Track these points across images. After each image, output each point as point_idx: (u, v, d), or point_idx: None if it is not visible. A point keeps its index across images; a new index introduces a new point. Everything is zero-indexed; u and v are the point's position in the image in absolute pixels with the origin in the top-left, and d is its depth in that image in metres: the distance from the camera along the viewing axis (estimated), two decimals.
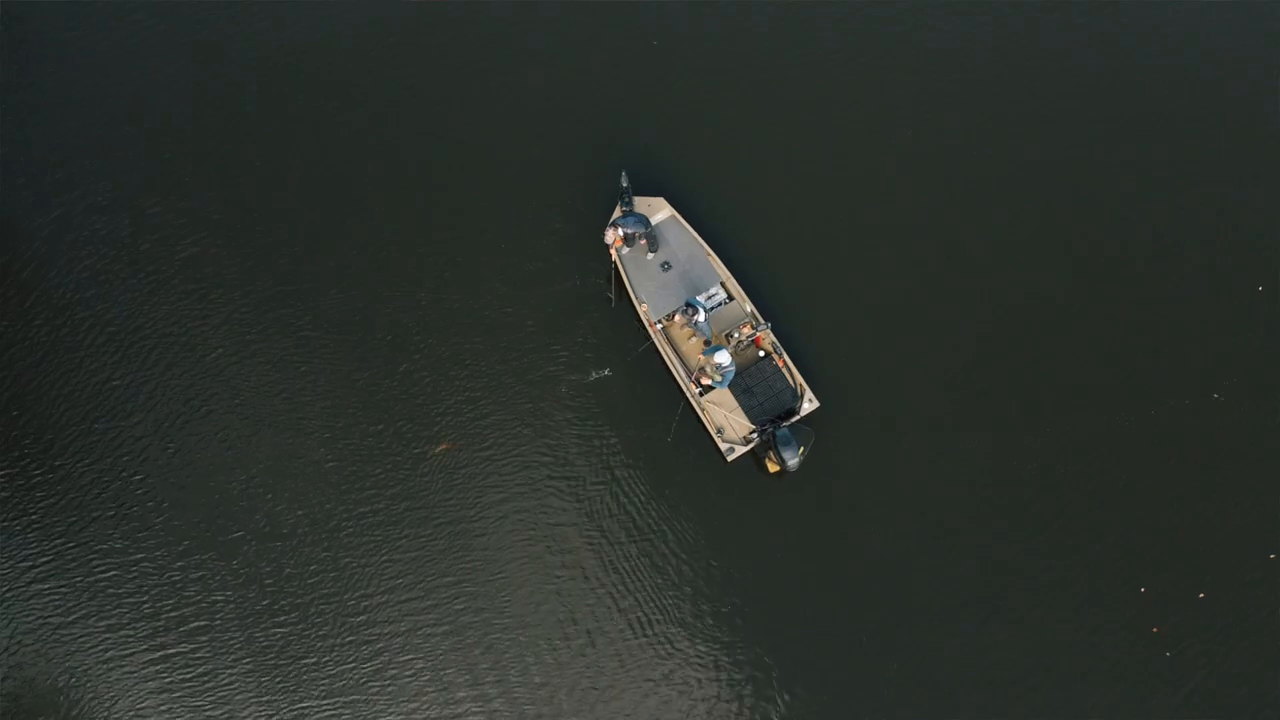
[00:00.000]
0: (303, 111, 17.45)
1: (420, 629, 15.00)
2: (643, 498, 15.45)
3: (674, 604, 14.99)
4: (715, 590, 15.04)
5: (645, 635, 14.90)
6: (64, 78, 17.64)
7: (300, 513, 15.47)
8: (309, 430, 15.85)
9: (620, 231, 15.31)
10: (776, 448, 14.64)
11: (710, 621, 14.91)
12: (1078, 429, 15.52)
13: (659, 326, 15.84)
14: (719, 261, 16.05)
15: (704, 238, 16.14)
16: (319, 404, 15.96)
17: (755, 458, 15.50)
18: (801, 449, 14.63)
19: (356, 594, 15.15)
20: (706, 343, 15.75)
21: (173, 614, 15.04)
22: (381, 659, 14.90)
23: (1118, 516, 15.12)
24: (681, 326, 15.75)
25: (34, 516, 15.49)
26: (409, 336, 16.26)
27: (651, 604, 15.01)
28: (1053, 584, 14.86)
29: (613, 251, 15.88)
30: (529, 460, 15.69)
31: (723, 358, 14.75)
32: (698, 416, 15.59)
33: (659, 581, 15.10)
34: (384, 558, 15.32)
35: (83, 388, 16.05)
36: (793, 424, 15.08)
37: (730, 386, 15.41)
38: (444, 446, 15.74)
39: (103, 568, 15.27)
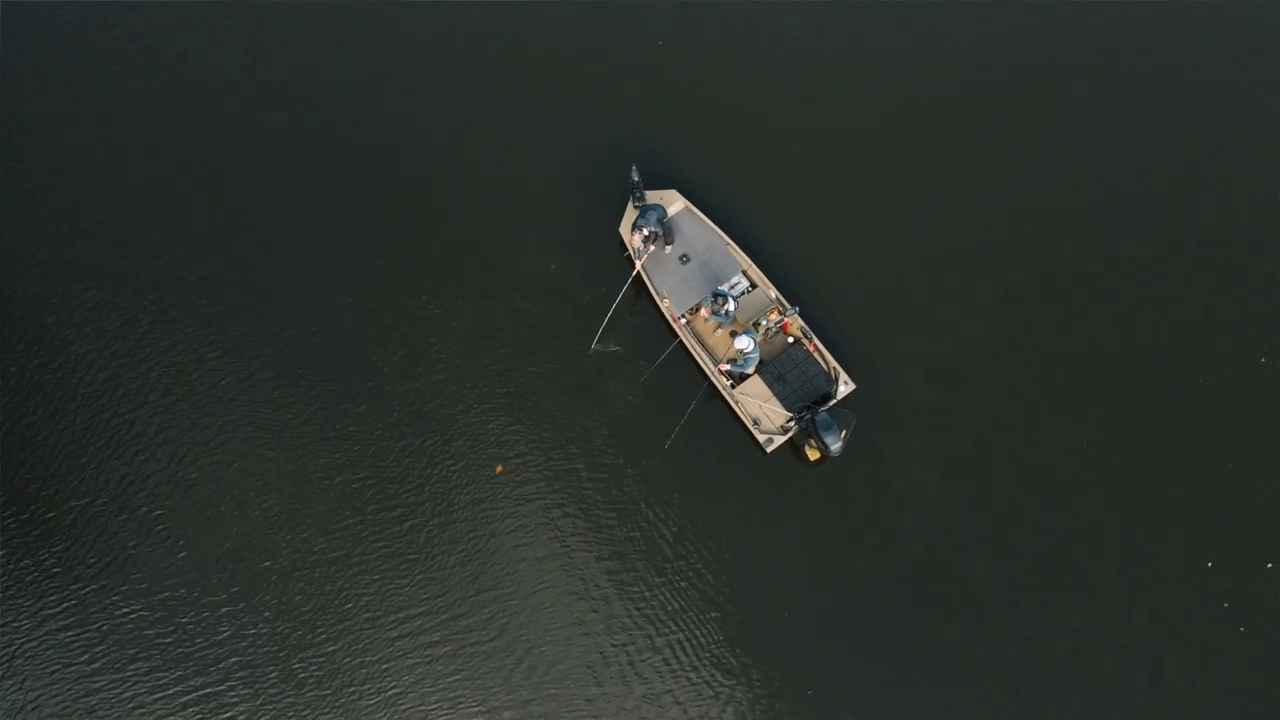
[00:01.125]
0: (306, 116, 17.06)
1: (464, 649, 14.46)
2: (681, 499, 15.01)
3: (729, 603, 14.56)
4: (764, 583, 14.62)
5: (698, 648, 14.46)
6: (63, 105, 17.21)
7: (324, 540, 14.91)
8: (329, 454, 15.33)
9: (645, 231, 14.90)
10: (817, 433, 14.25)
11: (765, 623, 14.49)
12: (1131, 399, 15.21)
13: (683, 321, 15.47)
14: (738, 249, 15.71)
15: (719, 226, 15.84)
16: (340, 426, 15.46)
17: (794, 446, 15.12)
18: (843, 432, 14.24)
19: (393, 618, 14.59)
20: (732, 334, 15.43)
21: (205, 653, 14.40)
22: (424, 684, 14.36)
23: (1176, 489, 14.78)
24: (706, 319, 15.39)
25: (50, 562, 14.84)
26: (428, 354, 15.78)
27: (704, 604, 14.58)
28: (1113, 559, 14.49)
29: (636, 259, 15.46)
30: (563, 471, 15.23)
31: (744, 342, 14.37)
32: (732, 410, 15.22)
33: (708, 580, 14.67)
34: (419, 577, 14.78)
35: (90, 426, 15.44)
36: (831, 407, 14.70)
37: (762, 375, 15.05)
38: (499, 469, 15.30)
39: (126, 610, 14.62)
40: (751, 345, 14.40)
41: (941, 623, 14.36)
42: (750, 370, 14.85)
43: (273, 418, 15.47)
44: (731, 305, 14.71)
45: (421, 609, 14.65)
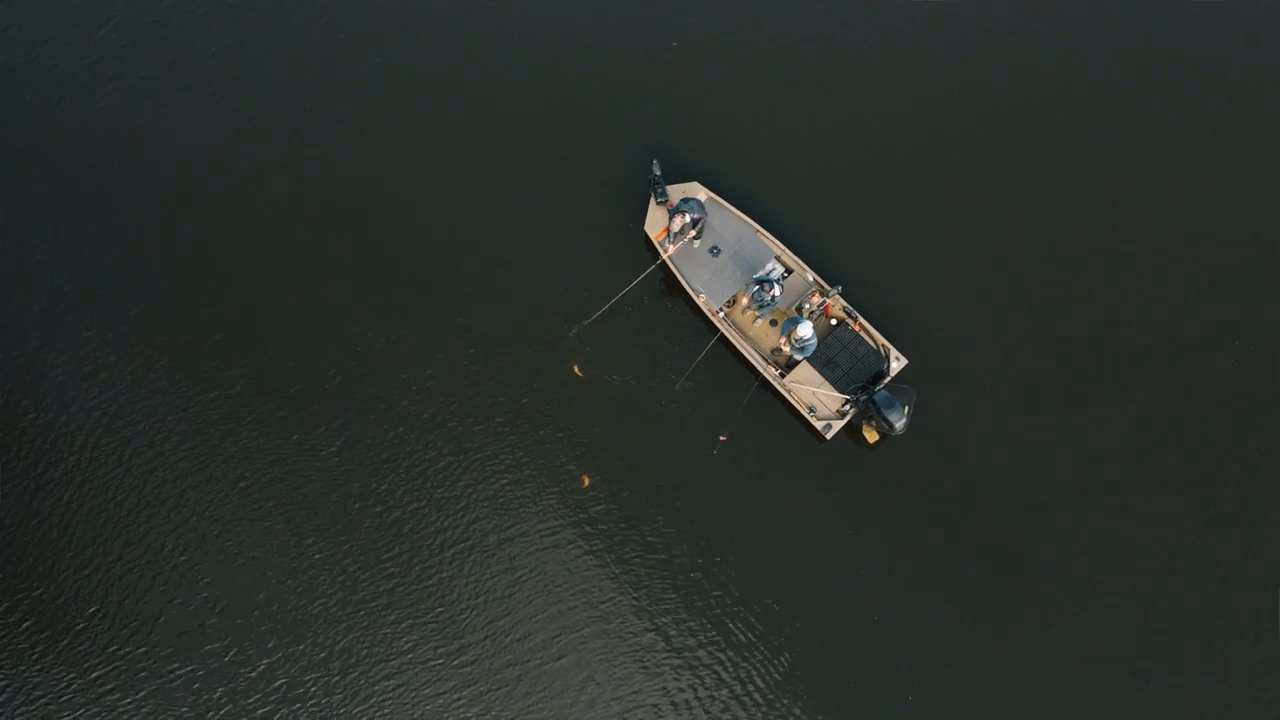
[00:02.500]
0: (322, 133, 16.36)
1: (530, 670, 13.77)
2: (745, 504, 14.44)
3: (809, 596, 13.99)
4: (842, 582, 14.08)
5: (780, 640, 13.88)
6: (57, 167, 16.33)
7: (385, 583, 14.15)
8: (365, 484, 14.60)
9: (689, 217, 14.36)
10: (880, 413, 13.76)
11: (849, 613, 13.96)
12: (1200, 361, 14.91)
13: (721, 315, 14.94)
14: (769, 236, 15.23)
15: (746, 214, 15.36)
16: (374, 453, 14.73)
17: (850, 430, 14.63)
18: (906, 407, 13.77)
19: (457, 640, 13.88)
20: (772, 322, 14.94)
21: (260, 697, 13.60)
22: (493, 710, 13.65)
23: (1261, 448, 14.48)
24: (747, 308, 14.87)
25: (82, 627, 13.93)
26: (463, 366, 15.11)
27: (781, 620, 14.01)
28: (1200, 530, 14.10)
29: (666, 246, 14.95)
30: (627, 485, 14.63)
31: (806, 329, 13.88)
32: (783, 402, 14.70)
33: (781, 588, 14.11)
34: (492, 586, 14.08)
35: (101, 506, 14.56)
36: (889, 385, 14.23)
37: (810, 360, 14.55)
38: (586, 480, 14.63)
39: (171, 667, 13.75)
40: (810, 333, 13.88)
41: (1043, 604, 13.87)
42: (808, 355, 14.35)
43: (297, 459, 14.71)
44: (777, 290, 14.20)
45: (482, 634, 13.92)
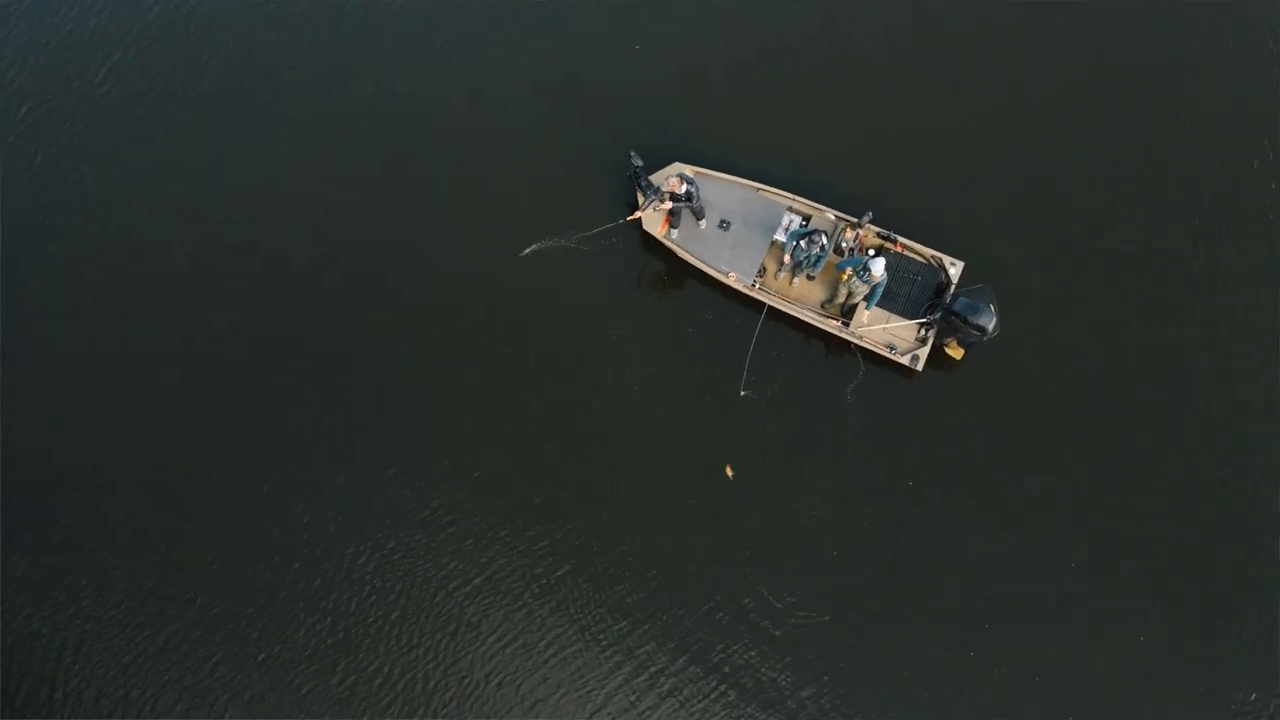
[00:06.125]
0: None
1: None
2: (869, 474, 13.27)
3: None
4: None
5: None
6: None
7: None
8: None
9: (683, 188, 12.93)
10: (966, 321, 12.55)
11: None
12: None
13: (757, 286, 13.65)
14: (772, 189, 14.04)
15: (740, 178, 14.14)
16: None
17: (933, 356, 13.47)
18: (991, 305, 12.62)
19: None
20: (809, 277, 13.73)
21: None
22: None
23: None
24: (787, 265, 13.45)
25: None
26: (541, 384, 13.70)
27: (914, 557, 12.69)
28: None
29: (667, 238, 13.65)
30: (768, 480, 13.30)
31: (878, 266, 12.54)
32: (857, 354, 13.48)
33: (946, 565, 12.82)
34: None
35: None
36: (960, 291, 13.09)
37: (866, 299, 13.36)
38: (729, 470, 13.30)
39: None
40: (881, 269, 12.55)
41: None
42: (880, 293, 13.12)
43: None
44: (824, 239, 12.93)
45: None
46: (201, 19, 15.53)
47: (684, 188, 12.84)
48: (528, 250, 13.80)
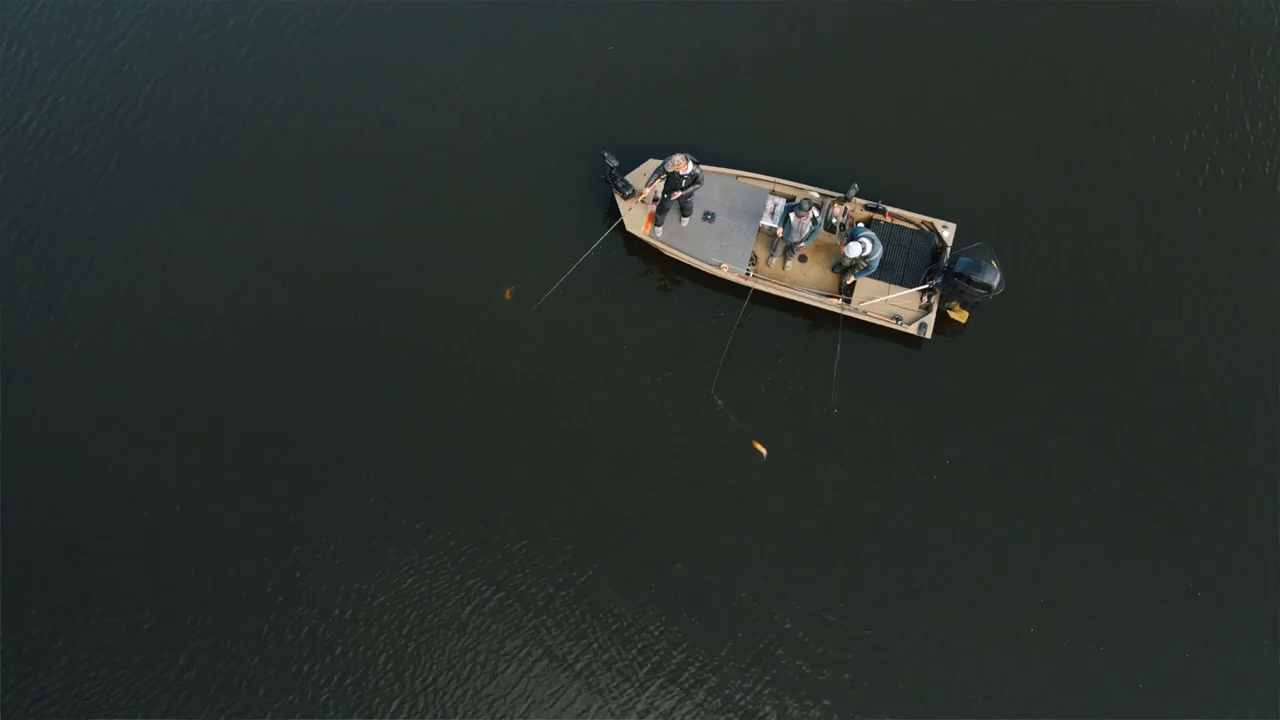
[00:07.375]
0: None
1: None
2: (881, 453, 12.85)
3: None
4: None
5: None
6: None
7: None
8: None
9: (691, 168, 12.40)
10: (970, 281, 12.27)
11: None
12: None
13: (751, 275, 13.26)
14: (752, 175, 13.69)
15: (717, 167, 13.77)
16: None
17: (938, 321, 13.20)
18: (992, 261, 12.37)
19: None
20: (801, 259, 13.37)
21: None
22: None
23: None
24: (779, 239, 12.97)
25: None
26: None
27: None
28: None
29: (652, 236, 13.24)
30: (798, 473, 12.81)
31: (865, 244, 12.24)
32: (862, 330, 13.13)
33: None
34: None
35: None
36: (961, 253, 12.81)
37: (861, 272, 13.03)
38: (761, 448, 12.72)
39: None
40: (871, 243, 12.30)
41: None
42: (875, 267, 12.81)
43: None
44: (814, 211, 12.59)
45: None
46: (140, 57, 14.89)
47: (690, 167, 12.38)
48: (539, 303, 13.31)
